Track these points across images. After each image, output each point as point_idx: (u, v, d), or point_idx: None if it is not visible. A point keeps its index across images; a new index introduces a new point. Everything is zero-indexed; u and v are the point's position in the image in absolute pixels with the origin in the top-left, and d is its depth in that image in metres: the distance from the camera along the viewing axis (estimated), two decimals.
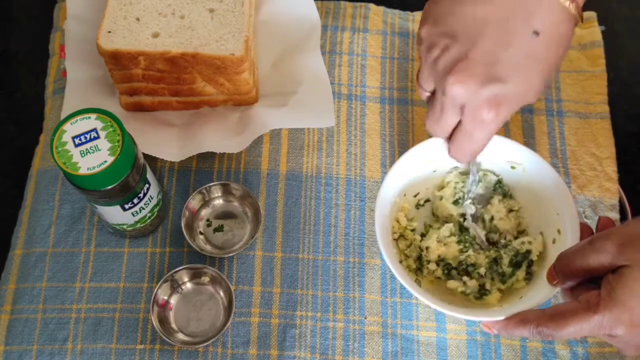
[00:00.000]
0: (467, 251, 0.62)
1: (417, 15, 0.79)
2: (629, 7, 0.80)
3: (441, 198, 0.65)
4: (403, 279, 0.57)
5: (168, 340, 0.60)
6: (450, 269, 0.63)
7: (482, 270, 0.62)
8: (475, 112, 0.52)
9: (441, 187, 0.66)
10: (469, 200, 0.63)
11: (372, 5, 0.78)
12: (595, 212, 0.68)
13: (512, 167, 0.63)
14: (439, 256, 0.63)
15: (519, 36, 0.50)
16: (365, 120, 0.72)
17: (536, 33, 0.50)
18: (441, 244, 0.63)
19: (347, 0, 0.79)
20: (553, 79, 0.72)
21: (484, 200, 0.65)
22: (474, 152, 0.56)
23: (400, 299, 0.65)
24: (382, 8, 0.78)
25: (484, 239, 0.63)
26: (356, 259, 0.66)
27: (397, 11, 0.79)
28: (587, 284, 0.51)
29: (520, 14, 0.50)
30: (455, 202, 0.65)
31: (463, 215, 0.64)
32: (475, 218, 0.64)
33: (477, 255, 0.62)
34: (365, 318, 0.64)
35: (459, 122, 0.54)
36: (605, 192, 0.69)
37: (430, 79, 0.55)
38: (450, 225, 0.63)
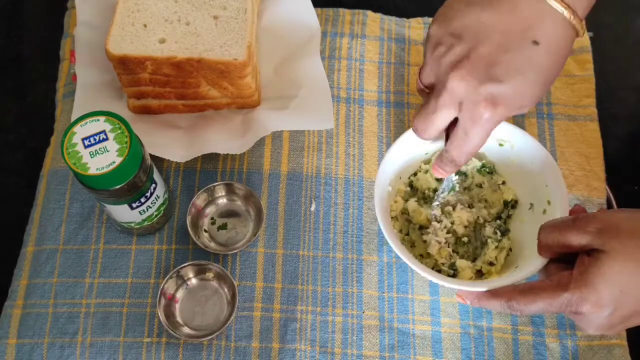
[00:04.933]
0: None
1: (413, 21, 0.79)
2: (615, 15, 0.81)
3: (426, 171, 0.66)
4: (398, 248, 0.58)
5: (174, 333, 0.61)
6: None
7: (461, 229, 0.64)
8: (474, 109, 0.52)
9: (428, 162, 0.67)
10: (437, 203, 0.65)
11: (369, 13, 0.79)
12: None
13: (500, 145, 0.64)
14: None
15: (518, 43, 0.51)
16: (363, 122, 0.73)
17: (535, 43, 0.51)
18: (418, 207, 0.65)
19: (345, 7, 0.79)
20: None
21: (450, 207, 0.66)
22: (470, 152, 0.57)
23: (396, 294, 0.65)
24: (379, 15, 0.79)
25: (442, 239, 0.65)
26: (354, 256, 0.67)
27: (393, 18, 0.79)
28: (557, 263, 0.53)
29: (521, 24, 0.51)
30: (438, 179, 0.66)
31: (435, 190, 0.66)
32: (438, 220, 0.65)
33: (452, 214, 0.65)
34: (363, 312, 0.65)
35: (457, 122, 0.55)
36: (594, 191, 0.70)
37: (432, 74, 0.55)
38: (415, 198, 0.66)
